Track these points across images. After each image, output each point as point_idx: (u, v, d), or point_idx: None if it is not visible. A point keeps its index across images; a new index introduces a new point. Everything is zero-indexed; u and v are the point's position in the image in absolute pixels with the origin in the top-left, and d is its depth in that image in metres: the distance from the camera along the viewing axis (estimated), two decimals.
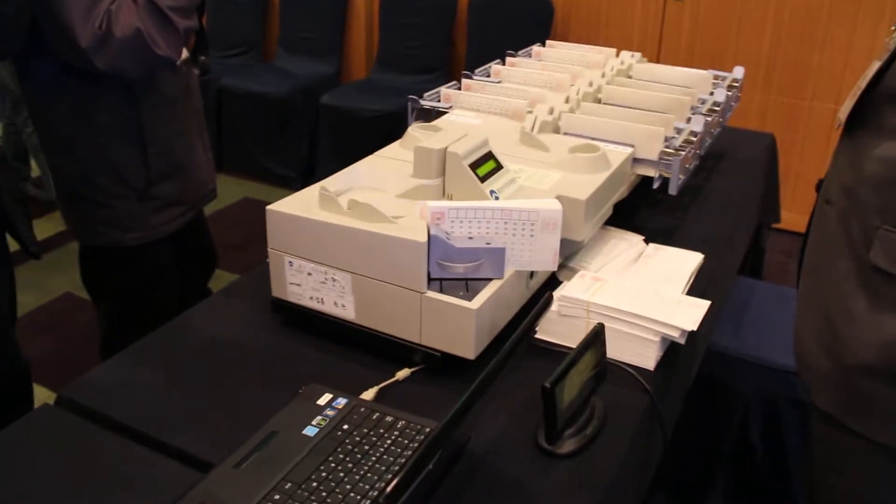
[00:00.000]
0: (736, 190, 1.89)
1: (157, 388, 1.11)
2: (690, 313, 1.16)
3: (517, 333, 0.98)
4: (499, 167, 1.26)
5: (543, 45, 2.15)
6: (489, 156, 1.26)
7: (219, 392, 1.10)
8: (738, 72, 2.04)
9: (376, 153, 1.41)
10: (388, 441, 0.96)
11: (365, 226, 1.10)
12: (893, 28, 1.09)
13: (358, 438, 0.97)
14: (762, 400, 1.81)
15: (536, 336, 1.21)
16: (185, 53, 1.64)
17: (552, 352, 1.19)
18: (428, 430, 0.98)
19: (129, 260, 1.68)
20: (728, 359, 1.83)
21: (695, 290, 1.35)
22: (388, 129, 3.76)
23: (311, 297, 1.19)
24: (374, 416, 1.01)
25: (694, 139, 1.56)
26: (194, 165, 1.73)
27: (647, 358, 1.16)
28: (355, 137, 3.88)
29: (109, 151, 1.57)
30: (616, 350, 1.16)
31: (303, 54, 4.35)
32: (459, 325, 1.07)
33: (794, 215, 3.62)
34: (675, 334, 1.14)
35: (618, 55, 2.05)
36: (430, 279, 1.09)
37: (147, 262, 1.70)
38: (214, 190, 1.85)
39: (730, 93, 1.88)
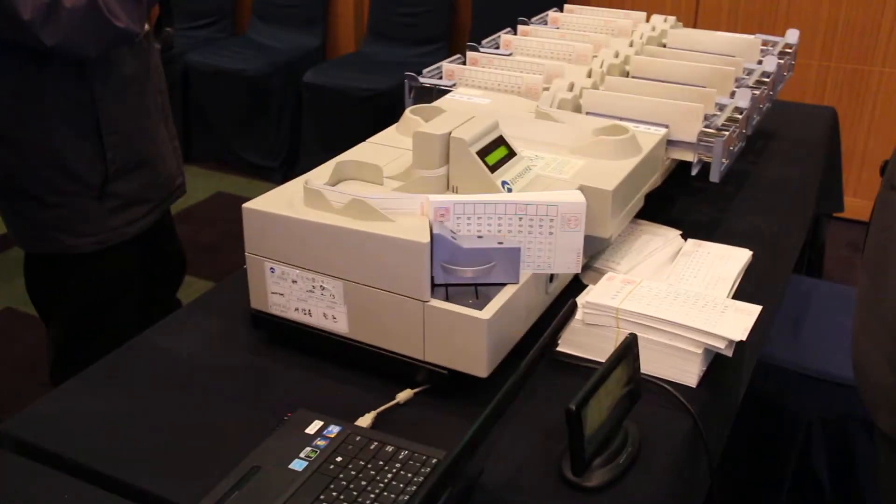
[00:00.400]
0: (790, 175, 1.89)
1: (117, 419, 1.12)
2: (738, 321, 1.17)
3: (536, 349, 0.98)
4: (511, 154, 1.27)
5: (561, 9, 2.16)
6: (500, 141, 1.27)
7: (190, 422, 1.11)
8: (792, 35, 2.05)
9: (369, 140, 1.42)
10: (389, 475, 0.98)
11: (358, 225, 1.11)
12: None
13: (354, 472, 0.98)
14: (826, 420, 1.82)
15: (559, 349, 1.22)
16: (146, 25, 1.66)
17: (577, 367, 1.20)
18: (435, 461, 0.99)
19: (84, 269, 1.69)
20: (784, 373, 1.83)
21: (742, 292, 1.35)
22: (381, 111, 3.78)
23: (296, 309, 1.21)
24: (373, 446, 1.02)
25: (739, 117, 1.57)
26: (159, 157, 1.74)
27: (689, 373, 1.17)
28: (344, 121, 3.90)
29: (60, 143, 1.58)
30: (652, 365, 1.17)
31: (281, 25, 4.38)
32: (469, 339, 1.08)
33: (859, 202, 3.62)
34: (720, 345, 1.15)
35: (648, 20, 2.06)
36: (433, 285, 1.10)
37: (106, 271, 1.71)
38: (183, 185, 1.86)
39: (781, 61, 1.89)
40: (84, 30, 1.42)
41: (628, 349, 1.07)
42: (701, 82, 1.68)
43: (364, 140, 1.43)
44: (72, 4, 1.38)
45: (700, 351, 1.15)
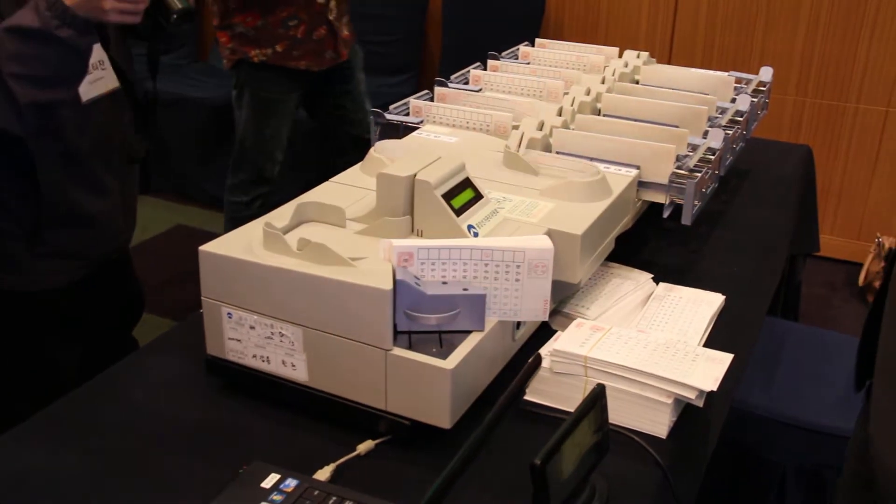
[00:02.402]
0: (764, 215, 1.92)
1: (61, 473, 1.10)
2: (709, 370, 1.18)
3: (501, 400, 0.99)
4: (478, 197, 1.28)
5: (532, 44, 2.18)
6: (467, 183, 1.28)
7: (139, 476, 1.10)
8: (766, 73, 2.09)
9: (333, 179, 1.43)
10: None
11: (318, 270, 1.12)
12: None
13: None
14: (802, 469, 1.83)
15: (526, 398, 1.23)
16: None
17: (544, 417, 1.20)
18: None
19: (8, 308, 1.66)
20: (758, 420, 1.84)
21: (715, 338, 1.37)
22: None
23: (254, 356, 1.20)
24: (331, 501, 1.01)
25: (712, 158, 1.59)
26: (104, 215, 1.69)
27: (659, 424, 1.18)
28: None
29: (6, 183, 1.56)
30: (621, 415, 1.18)
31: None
32: (432, 389, 1.08)
33: (836, 240, 3.68)
34: (691, 395, 1.15)
35: (621, 55, 2.09)
36: (396, 333, 1.10)
37: (31, 316, 1.68)
38: (129, 240, 1.83)
39: (755, 99, 1.93)
40: None
41: (596, 400, 1.07)
42: (673, 121, 1.71)
43: (329, 171, 1.43)
44: None
45: (670, 401, 1.16)
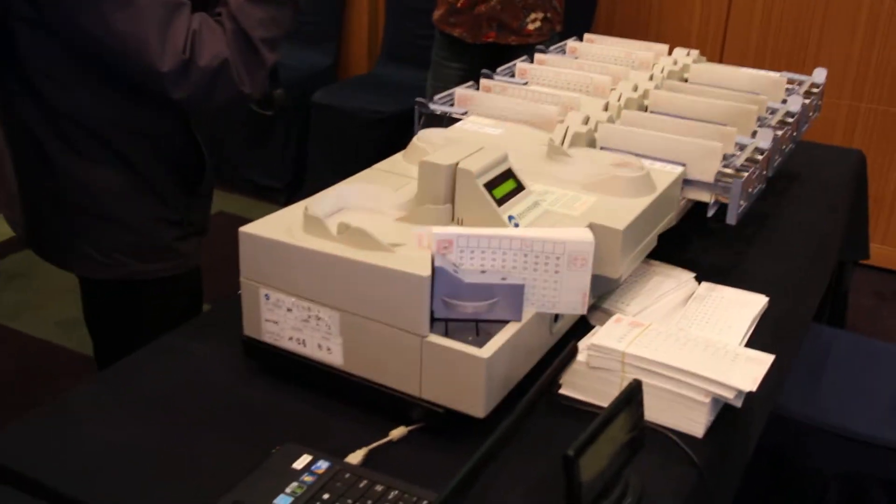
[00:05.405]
0: (813, 219, 1.90)
1: (98, 448, 1.13)
2: (749, 370, 1.18)
3: (535, 389, 0.99)
4: (520, 188, 1.29)
5: (581, 39, 2.18)
6: (509, 174, 1.28)
7: (173, 454, 1.12)
8: (819, 75, 2.07)
9: (374, 166, 1.44)
10: None
11: (357, 255, 1.13)
12: None
13: None
14: (843, 478, 1.81)
15: (561, 392, 1.23)
16: None
17: (579, 411, 1.21)
18: (426, 502, 1.00)
19: (150, 297, 1.66)
20: (799, 427, 1.83)
21: (757, 340, 1.36)
22: (392, 135, 3.80)
23: (290, 338, 1.22)
24: (362, 484, 1.02)
25: (759, 158, 1.58)
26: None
27: (696, 423, 1.17)
28: (353, 144, 3.92)
29: (164, 168, 1.58)
30: (657, 412, 1.18)
31: (292, 42, 4.42)
32: (467, 377, 1.09)
33: (888, 249, 3.63)
34: (729, 395, 1.15)
35: (671, 53, 2.08)
36: (433, 320, 1.11)
37: (173, 301, 1.68)
38: None
39: (807, 101, 1.91)
40: (210, 89, 1.42)
41: (633, 395, 1.07)
42: (722, 120, 1.70)
43: (371, 165, 1.45)
44: (205, 64, 1.38)
45: (708, 400, 1.16)
